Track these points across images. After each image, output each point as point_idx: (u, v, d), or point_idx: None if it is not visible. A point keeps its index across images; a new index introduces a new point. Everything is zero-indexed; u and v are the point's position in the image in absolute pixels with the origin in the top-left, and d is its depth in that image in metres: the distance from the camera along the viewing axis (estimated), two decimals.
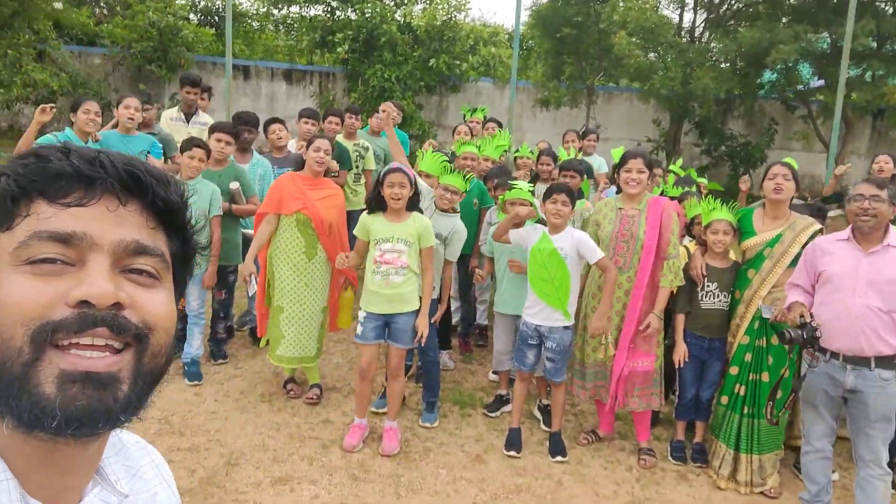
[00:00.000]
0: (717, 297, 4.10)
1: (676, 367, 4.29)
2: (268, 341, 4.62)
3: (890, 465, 3.39)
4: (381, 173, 3.92)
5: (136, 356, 0.71)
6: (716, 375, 4.19)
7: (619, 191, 4.25)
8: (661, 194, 4.57)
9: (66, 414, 0.66)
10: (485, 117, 6.89)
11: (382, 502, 3.52)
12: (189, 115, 6.15)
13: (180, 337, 4.72)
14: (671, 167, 5.80)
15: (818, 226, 3.98)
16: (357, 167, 6.32)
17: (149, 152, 5.01)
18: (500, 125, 6.68)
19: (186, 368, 4.73)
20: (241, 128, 5.39)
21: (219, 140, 4.75)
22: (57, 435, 0.67)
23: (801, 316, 3.28)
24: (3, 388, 0.66)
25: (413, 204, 3.93)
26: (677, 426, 4.34)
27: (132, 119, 5.03)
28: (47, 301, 0.66)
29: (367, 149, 6.39)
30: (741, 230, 4.10)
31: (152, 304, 0.72)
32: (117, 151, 0.75)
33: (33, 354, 0.65)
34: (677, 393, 4.36)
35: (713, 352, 4.16)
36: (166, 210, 0.76)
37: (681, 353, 4.15)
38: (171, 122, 6.14)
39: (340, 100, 13.61)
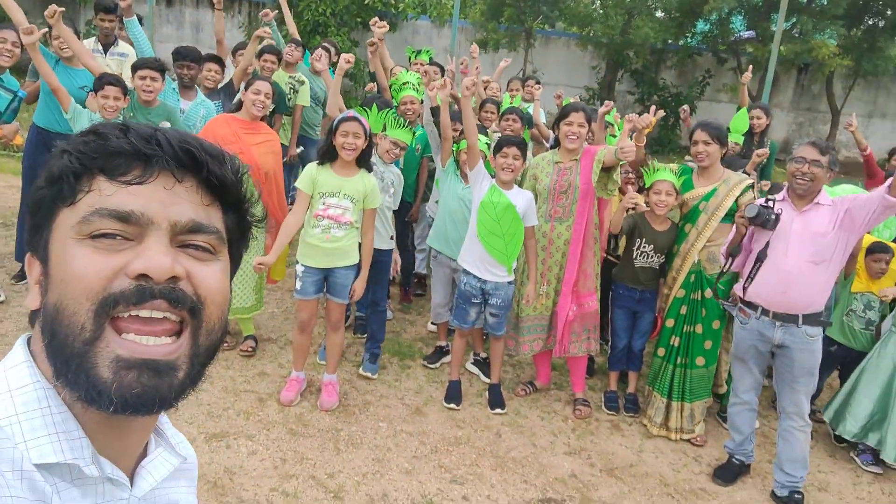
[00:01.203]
0: (651, 257, 4.17)
1: (609, 317, 4.39)
2: None
3: (810, 416, 3.59)
4: (335, 121, 3.71)
5: (193, 336, 0.73)
6: (647, 325, 4.31)
7: (555, 145, 4.22)
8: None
9: (122, 400, 0.68)
10: (430, 60, 6.67)
11: (322, 457, 3.49)
12: (107, 46, 5.67)
13: None
14: (607, 119, 5.78)
15: (750, 180, 4.09)
16: (289, 101, 6.04)
17: (91, 90, 4.53)
18: (441, 69, 6.49)
19: None
20: (181, 63, 5.04)
21: (143, 77, 4.39)
22: (113, 414, 0.70)
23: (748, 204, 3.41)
24: (64, 363, 0.69)
25: (364, 158, 3.76)
26: (610, 376, 4.46)
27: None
28: (109, 273, 0.68)
29: (302, 83, 6.10)
30: (683, 184, 4.15)
31: (206, 277, 0.75)
32: (174, 129, 0.77)
33: (94, 332, 0.68)
34: (609, 343, 4.46)
35: (644, 303, 4.27)
36: (221, 186, 0.77)
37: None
38: None
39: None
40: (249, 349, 4.41)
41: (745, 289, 3.52)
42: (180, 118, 4.79)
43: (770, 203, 3.35)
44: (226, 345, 4.44)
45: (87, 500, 0.72)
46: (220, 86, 5.57)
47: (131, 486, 0.78)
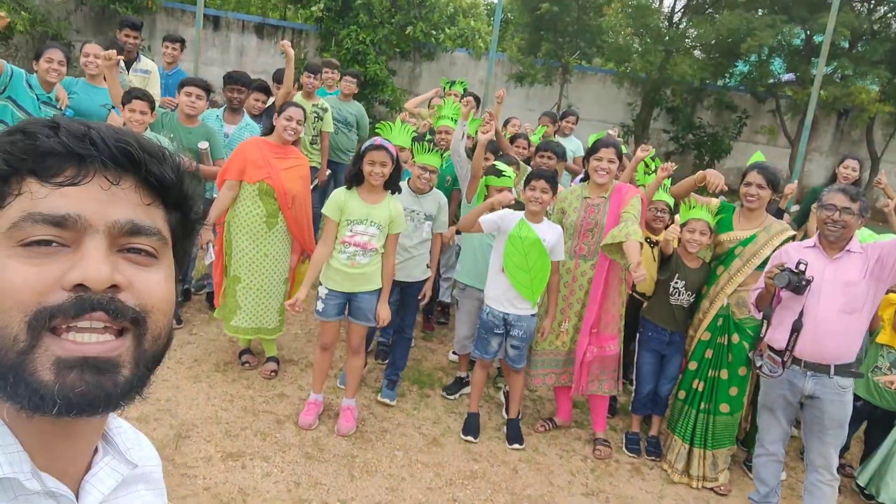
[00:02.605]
0: (683, 294, 4.10)
1: (635, 361, 4.30)
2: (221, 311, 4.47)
3: (838, 469, 3.46)
4: (363, 148, 3.75)
5: (136, 340, 0.70)
6: (675, 370, 4.21)
7: (585, 178, 4.19)
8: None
9: (66, 400, 0.65)
10: (464, 91, 6.74)
11: (336, 483, 3.46)
12: (129, 63, 5.81)
13: None
14: (645, 159, 5.76)
15: (791, 232, 3.99)
16: (314, 129, 6.14)
17: (112, 108, 4.70)
18: (477, 100, 6.54)
19: None
20: (232, 86, 5.18)
21: (188, 94, 4.50)
22: (58, 417, 0.66)
23: (777, 267, 3.30)
24: (1, 376, 0.65)
25: (392, 182, 3.79)
26: (633, 419, 4.37)
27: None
28: (43, 287, 0.65)
29: (325, 110, 6.18)
30: (720, 223, 4.08)
31: (149, 284, 0.71)
32: (108, 125, 0.72)
33: (29, 342, 0.64)
34: (634, 387, 4.37)
35: (673, 345, 4.18)
36: (161, 185, 0.74)
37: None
38: None
39: (312, 59, 13.24)
40: (272, 373, 4.42)
41: (767, 321, 3.44)
42: (221, 141, 4.88)
43: (801, 267, 3.25)
44: (248, 365, 4.47)
45: None
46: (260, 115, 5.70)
47: (77, 500, 0.75)
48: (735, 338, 3.94)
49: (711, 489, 3.96)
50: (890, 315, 4.11)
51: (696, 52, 13.55)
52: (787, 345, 3.32)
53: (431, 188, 4.36)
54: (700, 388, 4.02)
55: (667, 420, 4.27)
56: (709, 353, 4.01)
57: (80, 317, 0.65)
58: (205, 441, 3.62)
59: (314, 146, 6.16)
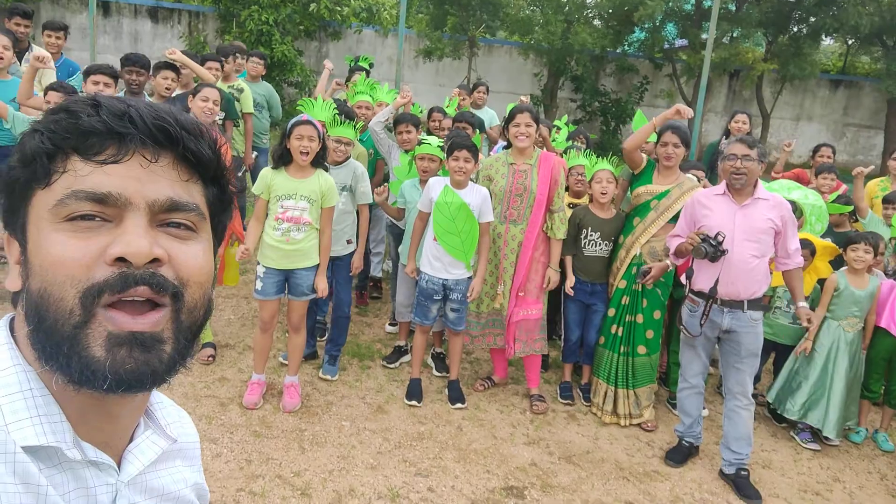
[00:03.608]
0: (599, 245, 4.35)
1: (562, 311, 4.54)
2: None
3: (752, 396, 3.80)
4: (289, 125, 3.75)
5: (174, 314, 0.72)
6: (600, 318, 4.46)
7: (508, 145, 4.35)
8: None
9: (117, 376, 0.68)
10: (370, 66, 6.75)
11: (287, 457, 3.52)
12: (21, 53, 5.51)
13: None
14: (556, 122, 6.00)
15: (701, 188, 4.27)
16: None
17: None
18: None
19: None
20: (130, 69, 4.97)
21: (96, 83, 4.34)
22: (107, 393, 0.69)
23: (698, 235, 3.56)
24: (54, 347, 0.68)
25: (319, 159, 3.81)
26: (564, 368, 4.61)
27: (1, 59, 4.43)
28: (88, 260, 0.68)
29: (241, 90, 6.07)
30: (641, 175, 4.33)
31: (188, 258, 0.74)
32: (147, 103, 0.74)
33: (83, 316, 0.67)
34: (563, 336, 4.61)
35: (596, 295, 4.43)
36: (198, 162, 0.76)
37: (569, 282, 4.36)
38: None
39: (212, 42, 12.83)
40: (209, 358, 4.38)
41: (690, 279, 3.71)
42: None
43: (720, 238, 3.50)
44: None
45: (74, 484, 0.72)
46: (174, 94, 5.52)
47: (119, 470, 0.78)
48: (649, 284, 4.21)
49: (639, 425, 4.25)
50: (825, 262, 4.49)
51: (596, 22, 14.00)
52: (710, 292, 3.60)
53: (347, 160, 4.39)
54: (619, 333, 4.30)
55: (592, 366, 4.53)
56: (625, 300, 4.29)
57: (125, 291, 0.68)
58: None
59: (238, 129, 6.05)
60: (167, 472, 0.87)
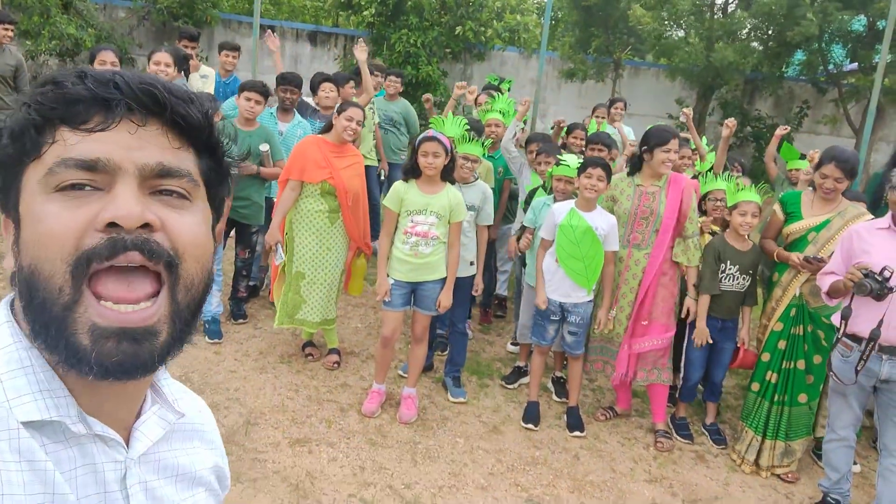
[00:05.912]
0: (737, 279, 4.04)
1: (684, 349, 4.22)
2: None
3: None
4: (417, 140, 3.84)
5: (170, 294, 0.71)
6: (727, 357, 4.14)
7: (638, 165, 4.10)
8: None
9: (102, 367, 0.67)
10: (508, 89, 6.77)
11: (400, 468, 3.53)
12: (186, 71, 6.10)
13: None
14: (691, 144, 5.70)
15: (870, 216, 3.83)
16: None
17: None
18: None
19: (207, 326, 4.74)
20: (285, 87, 5.35)
21: (248, 99, 4.66)
22: (94, 381, 0.68)
23: (860, 270, 3.16)
24: (43, 327, 0.67)
25: (448, 173, 3.86)
26: (679, 405, 4.32)
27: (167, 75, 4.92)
28: (79, 227, 0.66)
29: (370, 109, 6.28)
30: (787, 213, 4.00)
31: (182, 226, 0.72)
32: (134, 71, 0.74)
33: (73, 295, 0.66)
34: (682, 375, 4.28)
35: (725, 332, 4.12)
36: (189, 128, 0.74)
37: (703, 337, 4.07)
38: None
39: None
40: (334, 364, 4.53)
41: (846, 320, 3.33)
42: (278, 139, 5.04)
43: (886, 274, 3.08)
44: (311, 357, 4.59)
45: (81, 461, 0.71)
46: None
47: (127, 447, 0.77)
48: (810, 327, 3.84)
49: (779, 476, 3.88)
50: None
51: (754, 44, 13.23)
52: (871, 335, 3.20)
53: (476, 178, 4.39)
54: (774, 381, 3.93)
55: (735, 410, 4.19)
56: (782, 345, 3.91)
57: (115, 257, 0.66)
58: (272, 428, 3.74)
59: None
60: (184, 452, 0.86)
